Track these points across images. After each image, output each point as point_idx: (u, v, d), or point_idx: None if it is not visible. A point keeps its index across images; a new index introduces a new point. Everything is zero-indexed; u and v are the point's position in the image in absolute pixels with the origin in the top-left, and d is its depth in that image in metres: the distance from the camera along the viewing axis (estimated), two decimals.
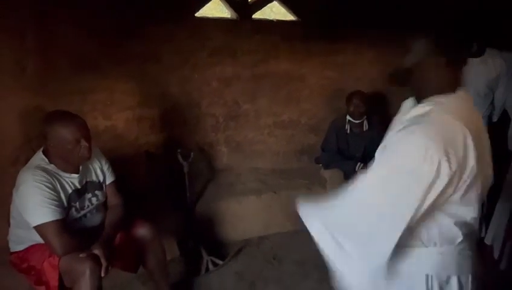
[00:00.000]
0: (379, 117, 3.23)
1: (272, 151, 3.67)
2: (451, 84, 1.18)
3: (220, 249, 2.94)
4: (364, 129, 3.17)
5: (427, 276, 1.20)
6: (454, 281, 1.20)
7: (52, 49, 2.55)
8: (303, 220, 1.32)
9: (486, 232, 2.79)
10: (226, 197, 3.10)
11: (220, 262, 2.74)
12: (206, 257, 2.73)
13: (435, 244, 1.19)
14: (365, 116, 3.15)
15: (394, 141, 1.14)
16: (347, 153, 3.23)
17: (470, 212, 1.16)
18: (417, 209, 1.07)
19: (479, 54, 2.66)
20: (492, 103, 2.77)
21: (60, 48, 2.58)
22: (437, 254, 1.20)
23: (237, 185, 3.30)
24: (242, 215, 3.10)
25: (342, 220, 1.21)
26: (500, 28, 2.96)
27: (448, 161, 1.03)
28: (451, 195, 1.10)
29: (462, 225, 1.16)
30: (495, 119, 2.82)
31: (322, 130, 3.45)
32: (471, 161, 1.07)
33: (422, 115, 1.12)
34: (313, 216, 1.28)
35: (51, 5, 2.48)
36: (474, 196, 1.13)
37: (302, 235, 3.10)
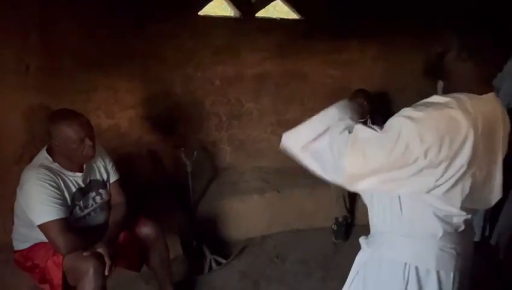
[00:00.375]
0: (383, 116, 3.21)
1: (275, 150, 3.61)
2: (480, 87, 1.15)
3: (223, 248, 2.94)
4: None
5: (405, 264, 1.20)
6: (433, 275, 1.19)
7: (55, 48, 2.55)
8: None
9: (490, 233, 2.78)
10: (229, 196, 3.10)
11: (223, 261, 2.74)
12: (209, 256, 2.73)
13: (416, 235, 1.19)
14: (369, 115, 3.14)
15: (401, 113, 1.12)
16: None
17: (453, 211, 1.14)
18: (381, 167, 1.07)
19: None
20: None
21: (63, 47, 2.58)
22: (417, 245, 1.20)
23: (240, 184, 3.30)
24: (245, 214, 3.09)
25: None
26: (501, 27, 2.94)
27: (439, 149, 1.03)
28: (433, 187, 1.08)
29: (445, 221, 1.16)
30: None
31: None
32: (463, 160, 1.05)
33: (436, 103, 1.11)
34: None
35: (54, 4, 2.48)
36: (458, 195, 1.11)
37: (306, 234, 3.13)
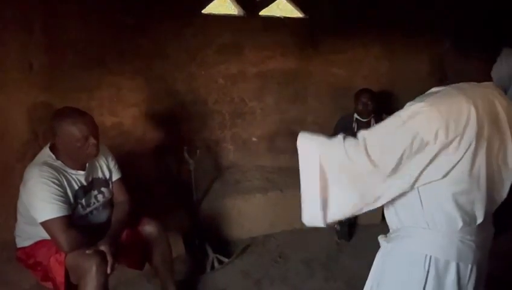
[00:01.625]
0: (387, 115, 3.19)
1: (278, 149, 3.65)
2: (478, 78, 1.21)
3: (225, 247, 2.94)
4: None
5: (425, 256, 1.21)
6: (453, 267, 1.20)
7: (59, 46, 2.56)
8: (298, 143, 1.32)
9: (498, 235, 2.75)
10: (232, 195, 3.10)
11: (226, 260, 2.74)
12: (211, 255, 2.72)
13: (437, 226, 1.20)
14: (373, 115, 3.12)
15: (404, 107, 1.17)
16: None
17: (473, 196, 1.17)
18: (407, 173, 1.12)
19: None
20: None
21: (67, 45, 2.59)
22: (438, 237, 1.21)
23: (243, 183, 3.29)
24: (248, 214, 3.09)
25: (336, 159, 1.20)
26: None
27: (447, 130, 1.07)
28: (449, 168, 1.11)
29: (464, 211, 1.17)
30: None
31: (329, 128, 3.42)
32: (471, 134, 1.09)
33: (434, 92, 1.17)
34: (312, 145, 1.29)
35: (59, 2, 2.49)
36: (476, 176, 1.14)
37: (308, 233, 3.12)
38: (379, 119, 3.13)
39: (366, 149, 1.13)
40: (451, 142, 1.08)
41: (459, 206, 1.16)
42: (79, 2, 2.57)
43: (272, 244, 3.05)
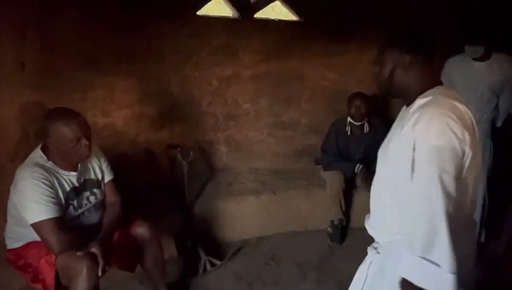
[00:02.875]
0: (380, 119, 3.22)
1: (271, 151, 3.65)
2: (430, 80, 1.26)
3: (218, 249, 2.93)
4: (365, 131, 3.16)
5: None
6: None
7: (52, 46, 2.54)
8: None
9: (486, 239, 2.78)
10: (225, 196, 3.09)
11: (218, 262, 2.73)
12: (204, 257, 2.71)
13: None
14: (366, 118, 3.14)
15: (416, 131, 1.15)
16: (347, 154, 3.22)
17: (463, 200, 1.18)
18: (457, 184, 1.11)
19: (484, 57, 2.64)
20: (496, 107, 2.76)
21: (61, 45, 2.57)
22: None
23: (236, 185, 3.29)
24: (241, 216, 3.09)
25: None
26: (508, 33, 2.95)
27: (467, 131, 1.12)
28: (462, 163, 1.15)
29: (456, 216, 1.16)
30: (499, 124, 2.81)
31: (322, 131, 3.44)
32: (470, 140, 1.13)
33: (427, 103, 1.19)
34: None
35: (52, 2, 2.47)
36: (471, 179, 1.18)
37: (301, 236, 3.13)
38: (372, 122, 3.15)
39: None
40: (465, 139, 1.12)
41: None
42: (73, 2, 2.55)
43: (265, 246, 3.05)
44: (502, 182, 2.76)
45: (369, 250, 1.38)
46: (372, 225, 1.37)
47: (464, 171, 1.14)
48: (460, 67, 2.72)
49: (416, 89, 1.26)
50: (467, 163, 1.13)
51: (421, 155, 1.13)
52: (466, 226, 1.23)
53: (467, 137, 1.11)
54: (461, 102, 1.19)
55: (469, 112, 1.19)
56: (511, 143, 2.74)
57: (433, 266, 1.08)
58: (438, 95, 1.20)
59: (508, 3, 2.91)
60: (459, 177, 1.11)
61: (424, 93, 1.24)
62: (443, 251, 1.08)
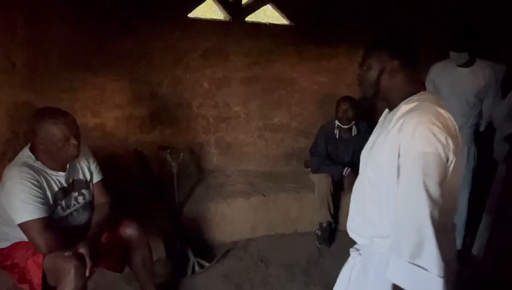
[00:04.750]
0: (368, 123, 3.26)
1: (261, 154, 3.67)
2: (415, 87, 1.26)
3: (207, 250, 2.93)
4: (353, 134, 3.20)
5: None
6: None
7: (42, 46, 2.53)
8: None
9: (471, 240, 2.82)
10: (214, 198, 3.10)
11: (207, 264, 2.73)
12: (192, 259, 2.72)
13: None
14: (354, 122, 3.17)
15: (401, 138, 1.16)
16: (336, 157, 3.25)
17: (446, 206, 1.17)
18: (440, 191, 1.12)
19: (469, 64, 2.70)
20: (480, 112, 2.82)
21: (51, 45, 2.57)
22: None
23: (226, 187, 3.30)
24: (230, 217, 3.09)
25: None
26: (489, 40, 3.03)
27: (451, 137, 1.13)
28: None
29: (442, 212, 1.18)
30: (482, 128, 2.87)
31: (311, 134, 3.47)
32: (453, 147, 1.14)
33: (412, 109, 1.19)
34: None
35: (43, 2, 2.46)
36: (453, 186, 1.19)
37: (290, 238, 3.15)
38: (360, 126, 3.19)
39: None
40: (449, 145, 1.13)
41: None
42: (64, 2, 2.55)
43: (253, 248, 3.06)
44: (484, 183, 2.81)
45: (352, 252, 1.40)
46: (353, 228, 1.38)
47: (448, 177, 1.15)
48: (445, 73, 2.77)
49: (402, 93, 1.26)
50: (451, 169, 1.14)
51: (407, 162, 1.14)
52: (448, 230, 1.25)
53: (451, 143, 1.12)
54: (444, 108, 1.20)
55: (452, 118, 1.20)
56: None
57: (422, 270, 1.10)
58: (423, 101, 1.21)
59: (490, 10, 2.99)
60: (443, 184, 1.12)
61: (409, 98, 1.24)
62: (431, 256, 1.09)
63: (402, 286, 1.14)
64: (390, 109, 1.31)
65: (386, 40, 1.33)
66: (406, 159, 1.14)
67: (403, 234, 1.14)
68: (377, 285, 1.26)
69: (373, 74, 1.30)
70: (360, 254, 1.36)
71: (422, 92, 1.26)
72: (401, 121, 1.18)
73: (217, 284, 2.62)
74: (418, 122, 1.13)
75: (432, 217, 1.09)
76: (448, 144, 1.11)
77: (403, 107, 1.23)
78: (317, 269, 2.81)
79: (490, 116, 2.78)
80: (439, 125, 1.12)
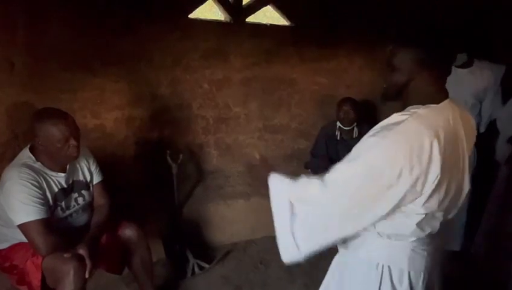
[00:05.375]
0: (369, 124, 3.24)
1: (261, 155, 3.66)
2: (437, 96, 1.18)
3: (206, 252, 2.92)
4: (354, 136, 3.19)
5: (377, 265, 1.24)
6: (405, 276, 1.23)
7: (42, 46, 2.53)
8: (270, 184, 1.36)
9: (470, 241, 2.82)
10: (214, 199, 3.09)
11: (206, 265, 2.73)
12: (192, 260, 2.71)
13: (388, 236, 1.22)
14: (355, 123, 3.17)
15: (366, 143, 1.15)
16: (336, 159, 3.20)
17: (429, 216, 1.17)
18: (375, 213, 1.12)
19: (467, 64, 2.70)
20: (479, 113, 2.82)
21: (51, 45, 2.56)
22: (389, 246, 1.23)
23: (226, 188, 3.29)
24: (230, 219, 3.09)
25: (306, 198, 1.22)
26: (489, 40, 3.03)
27: (411, 168, 1.06)
28: (414, 200, 1.12)
29: (420, 229, 1.18)
30: (482, 130, 2.86)
31: (312, 136, 3.46)
32: (436, 169, 1.09)
33: (396, 123, 1.12)
34: (282, 184, 1.32)
35: (43, 2, 2.46)
36: (436, 201, 1.15)
37: None
38: (361, 127, 3.18)
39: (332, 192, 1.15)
40: (416, 180, 1.08)
41: (418, 223, 1.17)
42: (64, 2, 2.54)
43: (253, 250, 3.05)
44: (484, 184, 2.81)
45: (339, 245, 1.41)
46: None
47: (422, 198, 1.11)
48: None
49: (420, 103, 1.18)
50: (402, 190, 1.08)
51: (356, 162, 1.12)
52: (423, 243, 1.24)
53: (406, 171, 1.06)
54: (436, 126, 1.11)
55: (434, 139, 1.08)
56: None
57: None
58: (416, 116, 1.12)
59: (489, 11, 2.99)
60: (399, 204, 1.11)
61: (415, 106, 1.17)
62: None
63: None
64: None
65: (415, 39, 1.20)
66: (357, 162, 1.12)
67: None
68: (354, 279, 1.32)
69: (396, 77, 1.21)
70: (346, 247, 1.36)
71: (430, 106, 1.16)
72: (375, 135, 1.13)
73: (217, 285, 2.61)
74: (383, 137, 1.10)
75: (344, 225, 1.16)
76: (404, 170, 1.06)
77: (393, 117, 1.16)
78: (317, 271, 2.79)
79: (490, 117, 2.78)
80: (415, 148, 1.06)
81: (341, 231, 1.18)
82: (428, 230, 1.20)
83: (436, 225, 1.21)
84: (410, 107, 1.19)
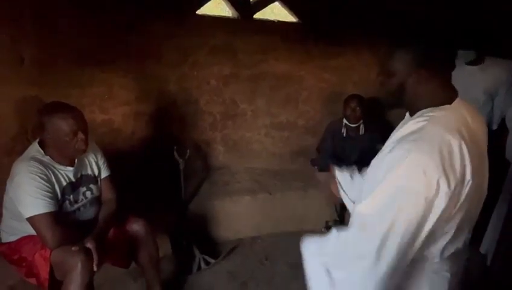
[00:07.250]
0: (376, 121, 3.24)
1: (268, 151, 3.67)
2: (444, 95, 1.13)
3: (212, 248, 2.94)
4: (361, 133, 3.18)
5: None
6: None
7: (51, 41, 2.54)
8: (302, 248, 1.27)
9: (479, 241, 2.80)
10: (220, 196, 3.10)
11: (212, 261, 2.74)
12: (198, 256, 2.72)
13: (412, 259, 1.10)
14: (362, 120, 3.15)
15: (386, 162, 1.04)
16: (343, 156, 3.23)
17: (458, 229, 1.09)
18: (417, 233, 1.00)
19: (477, 62, 2.68)
20: (491, 110, 2.79)
21: (60, 40, 2.57)
22: (410, 269, 1.13)
23: (232, 185, 3.30)
24: (236, 215, 3.09)
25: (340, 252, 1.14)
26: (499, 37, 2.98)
27: (447, 179, 0.97)
28: (452, 213, 1.03)
29: (443, 247, 1.10)
30: (494, 127, 2.83)
31: (318, 132, 3.46)
32: (468, 176, 1.01)
33: (415, 132, 1.05)
34: (313, 253, 1.24)
35: None
36: (463, 211, 1.07)
37: (295, 236, 3.13)
38: (368, 125, 3.17)
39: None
40: (455, 188, 0.99)
41: (444, 243, 1.09)
42: None
43: (259, 246, 3.06)
44: (494, 182, 2.78)
45: None
46: None
47: (439, 214, 1.00)
48: (453, 72, 2.74)
49: (426, 104, 1.13)
50: (442, 206, 0.99)
51: (383, 187, 1.01)
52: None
53: (444, 183, 0.97)
54: (456, 128, 1.04)
55: (462, 142, 1.02)
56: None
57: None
58: (434, 121, 1.06)
59: (499, 9, 2.95)
60: (422, 221, 0.99)
61: (425, 112, 1.11)
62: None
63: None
64: (411, 115, 1.18)
65: (410, 41, 1.14)
66: (384, 184, 1.01)
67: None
68: None
69: (395, 82, 1.15)
70: None
71: (443, 107, 1.10)
72: (397, 149, 1.04)
73: (222, 281, 2.62)
74: (407, 150, 1.00)
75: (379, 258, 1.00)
76: (438, 185, 0.96)
77: (408, 125, 1.09)
78: None
79: (502, 114, 2.75)
80: (436, 160, 0.97)
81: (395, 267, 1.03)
82: (454, 248, 1.12)
83: (462, 239, 1.13)
84: (422, 111, 1.12)
